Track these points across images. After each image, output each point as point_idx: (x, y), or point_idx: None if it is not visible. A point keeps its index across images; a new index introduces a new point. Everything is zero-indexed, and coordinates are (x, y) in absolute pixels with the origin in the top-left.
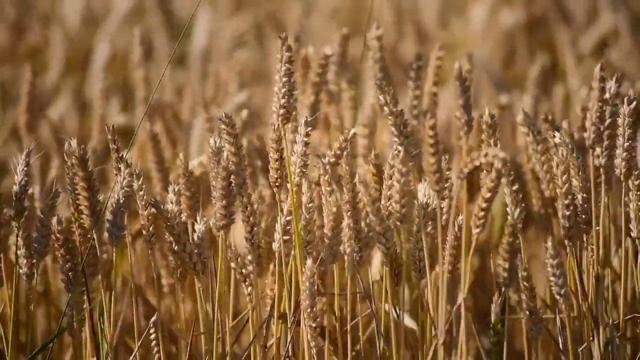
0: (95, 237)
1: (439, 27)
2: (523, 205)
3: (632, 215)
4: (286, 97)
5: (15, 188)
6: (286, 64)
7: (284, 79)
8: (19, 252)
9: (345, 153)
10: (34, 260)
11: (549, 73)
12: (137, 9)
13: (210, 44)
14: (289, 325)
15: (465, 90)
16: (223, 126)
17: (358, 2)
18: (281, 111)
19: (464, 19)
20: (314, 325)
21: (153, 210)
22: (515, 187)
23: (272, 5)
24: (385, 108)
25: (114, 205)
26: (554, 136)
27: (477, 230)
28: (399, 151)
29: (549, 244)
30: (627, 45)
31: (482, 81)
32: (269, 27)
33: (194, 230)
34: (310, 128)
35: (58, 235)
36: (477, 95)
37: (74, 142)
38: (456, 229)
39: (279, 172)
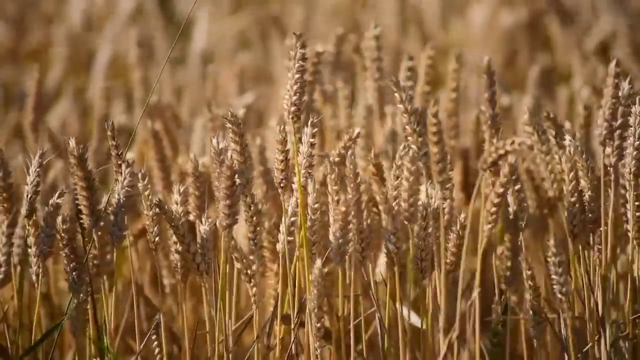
0: (95, 237)
1: (439, 28)
2: (524, 204)
3: (629, 215)
4: (298, 94)
5: (27, 188)
6: (299, 61)
7: (297, 76)
8: (29, 251)
9: (349, 153)
10: (40, 261)
11: (549, 73)
12: (140, 11)
13: (211, 44)
14: (292, 326)
15: (492, 84)
16: (228, 125)
17: (360, 2)
18: (292, 109)
19: (465, 19)
20: (318, 326)
21: (157, 210)
22: (517, 187)
23: (274, 6)
24: (400, 105)
25: (115, 205)
26: (564, 139)
27: (489, 226)
28: (409, 149)
29: (551, 242)
30: (628, 45)
31: (482, 82)
32: (271, 27)
33: (198, 231)
34: (316, 129)
35: (62, 234)
36: (478, 96)
37: (72, 142)
38: (458, 227)
39: (284, 172)
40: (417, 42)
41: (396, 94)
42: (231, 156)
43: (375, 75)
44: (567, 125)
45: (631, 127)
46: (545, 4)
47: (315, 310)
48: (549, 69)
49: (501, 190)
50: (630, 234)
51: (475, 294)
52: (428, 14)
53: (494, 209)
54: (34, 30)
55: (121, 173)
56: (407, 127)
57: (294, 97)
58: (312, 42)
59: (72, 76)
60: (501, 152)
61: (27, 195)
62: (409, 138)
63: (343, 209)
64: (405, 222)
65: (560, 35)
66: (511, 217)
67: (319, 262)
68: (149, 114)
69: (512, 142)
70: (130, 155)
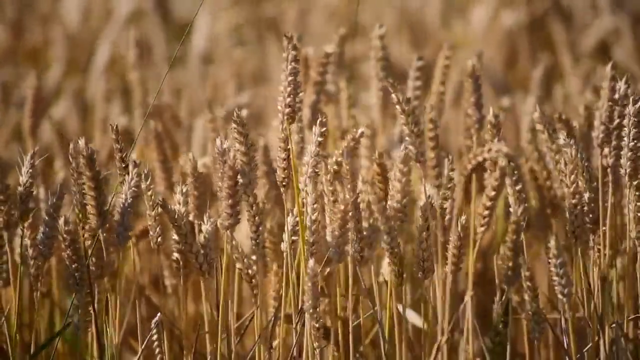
0: (101, 237)
1: (440, 28)
2: (526, 205)
3: (631, 215)
4: (292, 96)
5: (20, 189)
6: (292, 63)
7: (290, 78)
8: (26, 253)
9: (344, 153)
10: (40, 262)
11: (550, 74)
12: (138, 11)
13: (210, 44)
14: (294, 326)
15: (477, 88)
16: (234, 125)
17: (357, 1)
18: (287, 110)
19: (465, 19)
20: (317, 325)
21: (160, 210)
22: (518, 187)
23: (271, 6)
24: (398, 106)
25: (122, 205)
26: (558, 137)
27: (482, 229)
28: (406, 150)
29: (552, 243)
30: (628, 45)
31: (483, 82)
32: (268, 27)
33: (200, 231)
34: (325, 128)
35: (65, 236)
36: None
37: (82, 142)
38: (459, 228)
39: (286, 171)
40: (417, 42)
41: (393, 95)
42: (233, 156)
43: (380, 74)
44: (575, 124)
45: (625, 127)
46: (546, 4)
47: (311, 310)
48: (549, 69)
49: (493, 193)
50: (631, 234)
51: (447, 294)
52: (429, 14)
53: (486, 212)
54: (32, 31)
55: (128, 173)
56: (405, 128)
57: (288, 99)
58: (309, 43)
59: (72, 76)
60: (479, 159)
61: (20, 196)
62: (407, 139)
63: (341, 207)
64: (399, 223)
65: (561, 35)
66: (512, 217)
67: (312, 262)
68: (149, 115)
69: (490, 150)
70: (132, 157)
